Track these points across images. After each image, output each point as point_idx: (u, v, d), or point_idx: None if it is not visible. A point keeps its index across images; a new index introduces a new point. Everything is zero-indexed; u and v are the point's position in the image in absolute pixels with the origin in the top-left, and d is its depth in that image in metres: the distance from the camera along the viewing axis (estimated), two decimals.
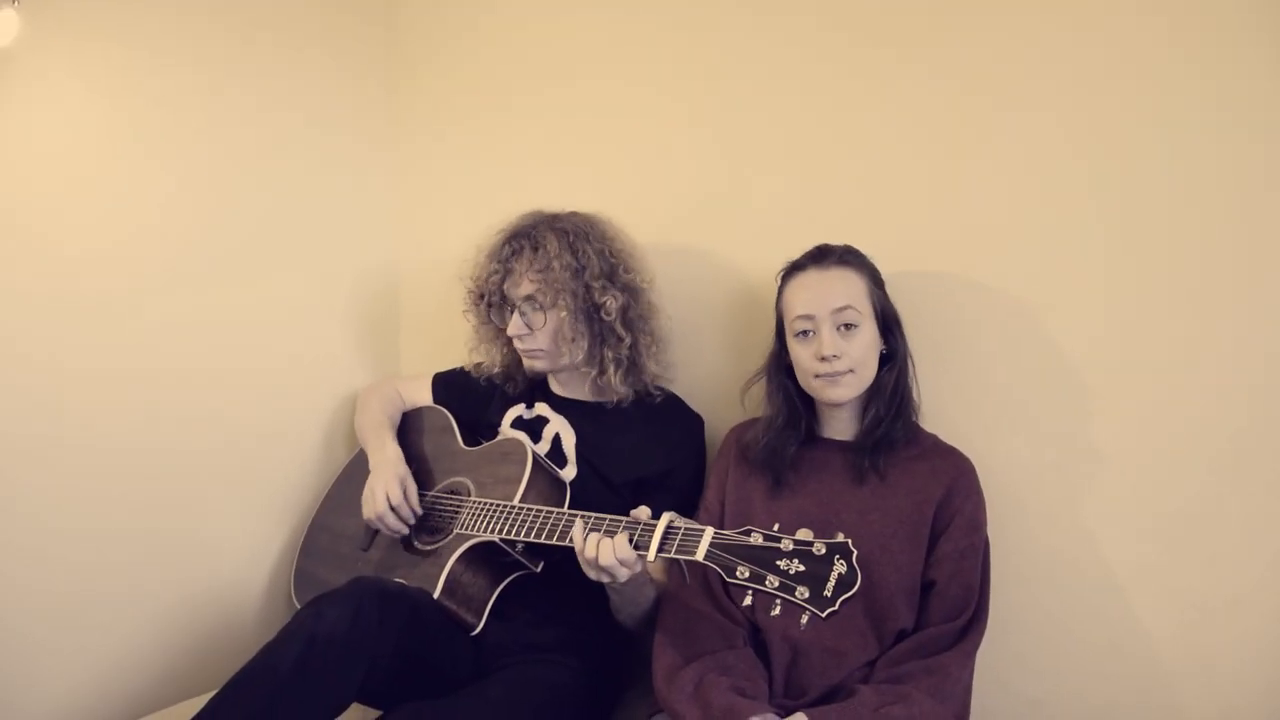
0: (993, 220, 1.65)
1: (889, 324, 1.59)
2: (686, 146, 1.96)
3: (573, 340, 1.77)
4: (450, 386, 2.03)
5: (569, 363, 1.82)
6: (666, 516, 1.40)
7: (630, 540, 1.41)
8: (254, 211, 2.02)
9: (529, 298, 1.78)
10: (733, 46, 1.89)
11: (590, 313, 1.78)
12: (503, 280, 1.80)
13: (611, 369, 1.79)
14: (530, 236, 1.79)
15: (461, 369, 2.04)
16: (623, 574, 1.43)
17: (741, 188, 1.90)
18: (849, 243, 1.63)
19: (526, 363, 1.84)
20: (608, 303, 1.77)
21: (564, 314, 1.76)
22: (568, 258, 1.76)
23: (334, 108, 2.21)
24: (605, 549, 1.42)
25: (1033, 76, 1.60)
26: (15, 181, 1.65)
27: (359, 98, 2.28)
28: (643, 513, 1.44)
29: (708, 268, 1.94)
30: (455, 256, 1.91)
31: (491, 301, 1.84)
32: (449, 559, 1.64)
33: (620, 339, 1.79)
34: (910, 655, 1.46)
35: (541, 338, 1.79)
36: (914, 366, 1.61)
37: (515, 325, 1.79)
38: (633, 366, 1.81)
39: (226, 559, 2.01)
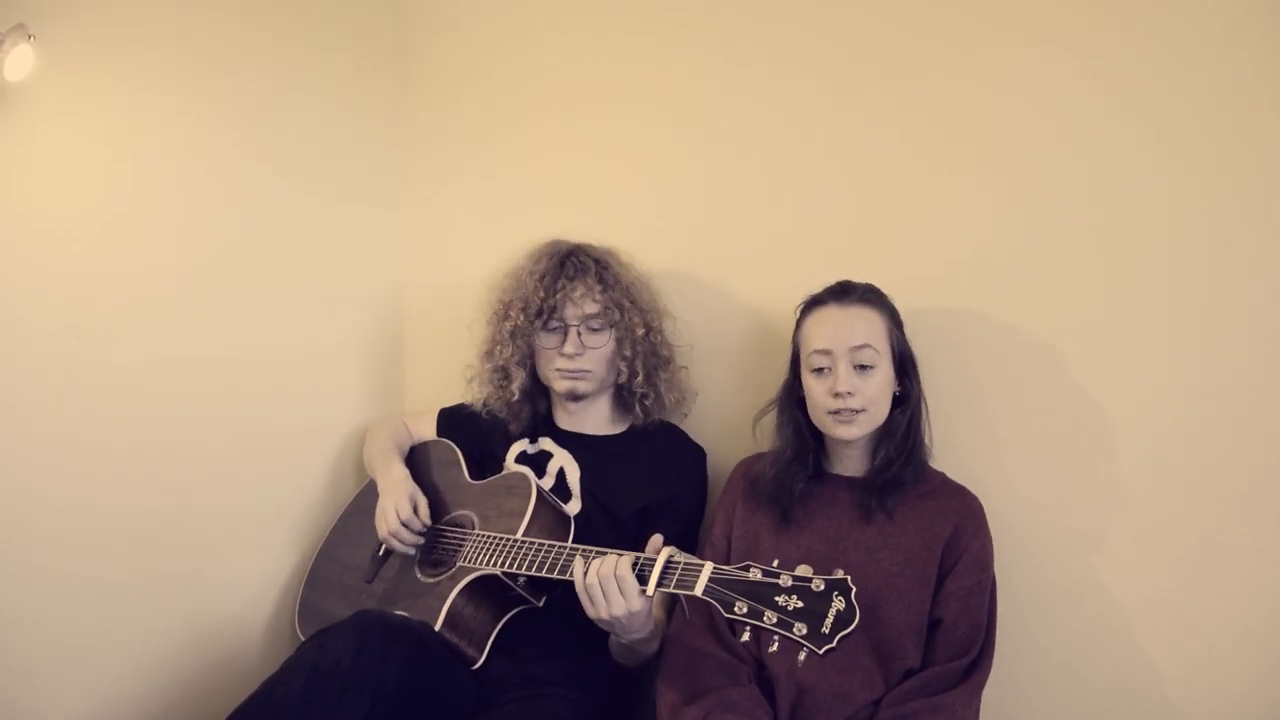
0: (1006, 256, 1.65)
1: (905, 365, 1.58)
2: (697, 179, 1.97)
3: (623, 362, 1.82)
4: (455, 421, 2.03)
5: (609, 385, 1.86)
6: (666, 551, 1.40)
7: (629, 565, 1.41)
8: (260, 248, 2.04)
9: (592, 317, 1.80)
10: (747, 80, 1.91)
11: (635, 340, 1.82)
12: (557, 300, 1.80)
13: (640, 394, 1.84)
14: (587, 258, 1.82)
15: (466, 403, 2.04)
16: (618, 604, 1.41)
17: (753, 222, 1.91)
18: (863, 277, 1.63)
19: (566, 385, 1.82)
20: (650, 328, 1.83)
21: (621, 336, 1.81)
22: (625, 281, 1.83)
23: (343, 140, 2.23)
24: (607, 565, 1.42)
25: (1033, 110, 1.61)
26: (30, 212, 1.67)
27: (368, 131, 2.30)
28: (646, 546, 1.44)
29: (718, 301, 1.95)
30: (461, 289, 1.92)
31: (547, 321, 1.82)
32: (451, 592, 1.64)
33: (655, 365, 1.84)
34: (916, 693, 1.45)
35: (595, 359, 1.81)
36: (927, 409, 1.60)
37: (573, 344, 1.79)
38: (657, 395, 1.85)
39: (231, 591, 2.01)
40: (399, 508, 1.77)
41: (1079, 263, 1.58)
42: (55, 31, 1.65)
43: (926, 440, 1.60)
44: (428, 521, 1.80)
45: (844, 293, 1.59)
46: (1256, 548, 1.46)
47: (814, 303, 1.62)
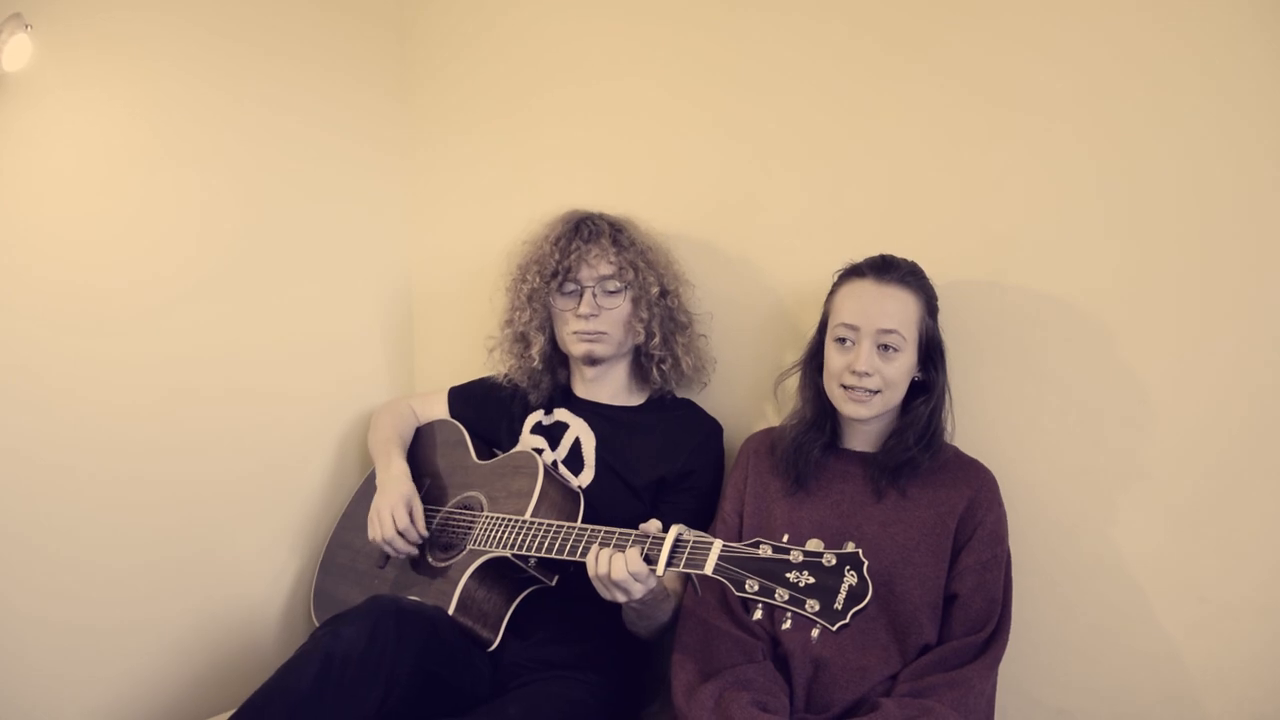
0: (1022, 229, 1.63)
1: (931, 354, 1.56)
2: (706, 151, 1.95)
3: (639, 323, 1.81)
4: (468, 398, 2.03)
5: (627, 349, 1.86)
6: (675, 529, 1.39)
7: (640, 554, 1.40)
8: (266, 232, 2.03)
9: (607, 278, 1.80)
10: (755, 49, 1.88)
11: (651, 301, 1.81)
12: (572, 262, 1.81)
13: (658, 358, 1.83)
14: (603, 221, 1.84)
15: (478, 380, 2.04)
16: (636, 589, 1.42)
17: (762, 193, 1.88)
18: (889, 251, 1.60)
19: (584, 348, 1.81)
20: (666, 291, 1.83)
21: (637, 297, 1.81)
22: (641, 244, 1.83)
23: (347, 119, 2.21)
24: (617, 564, 1.41)
25: (1059, 80, 1.59)
26: (31, 204, 1.67)
27: (373, 109, 2.28)
28: (652, 526, 1.44)
29: (726, 275, 1.93)
30: (469, 268, 1.91)
31: (563, 284, 1.82)
32: (463, 575, 1.64)
33: (672, 329, 1.84)
34: (933, 668, 1.44)
35: (610, 320, 1.81)
36: (951, 399, 1.57)
37: (589, 305, 1.79)
38: (675, 359, 1.85)
39: (245, 579, 2.02)
40: (395, 515, 1.76)
41: (1112, 242, 1.56)
42: (53, 21, 1.64)
43: (949, 428, 1.58)
44: (423, 531, 1.78)
45: (884, 269, 1.55)
46: (1273, 513, 1.45)
47: (852, 272, 1.59)
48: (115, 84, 1.78)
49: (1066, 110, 1.58)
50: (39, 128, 1.67)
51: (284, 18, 2.06)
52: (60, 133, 1.70)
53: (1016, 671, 1.57)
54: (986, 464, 1.57)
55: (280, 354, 2.06)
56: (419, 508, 1.80)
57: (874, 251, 1.60)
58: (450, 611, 1.62)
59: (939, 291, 1.61)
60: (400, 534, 1.75)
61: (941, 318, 1.60)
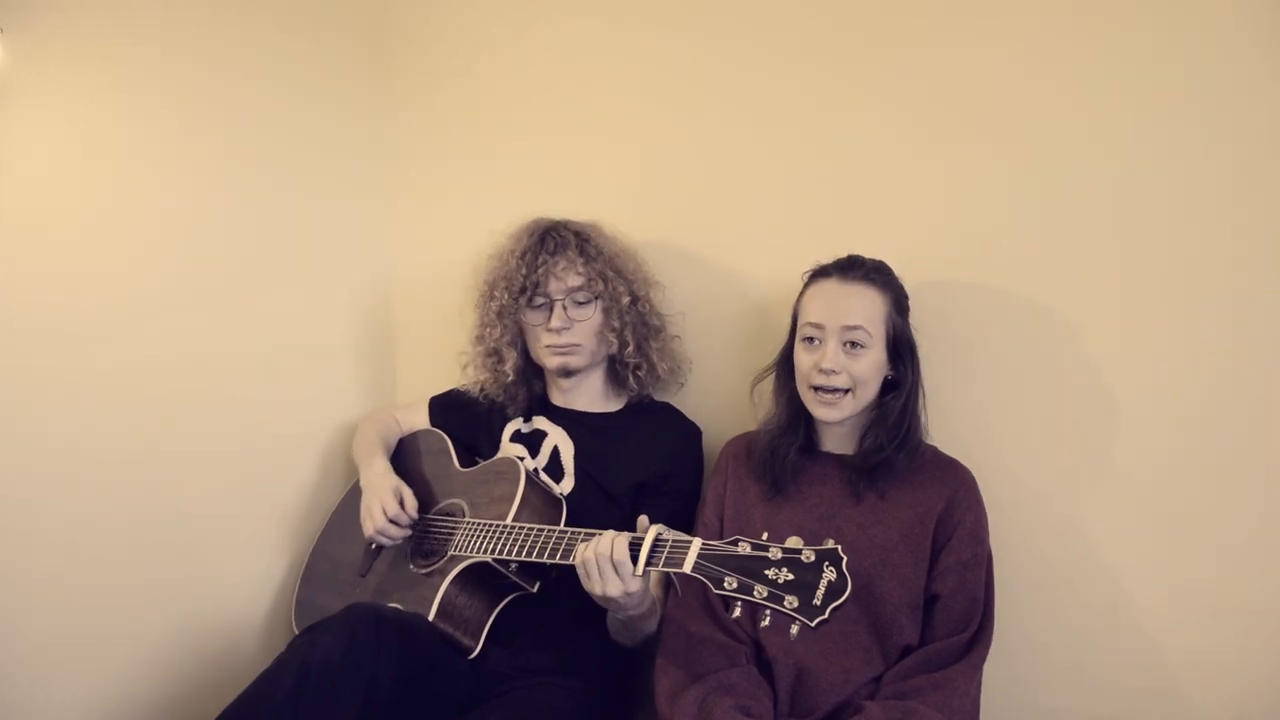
0: (1000, 228, 1.64)
1: (900, 350, 1.55)
2: (687, 157, 1.95)
3: (611, 333, 1.81)
4: (448, 407, 2.02)
5: (601, 358, 1.85)
6: (654, 529, 1.38)
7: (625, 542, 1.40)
8: (243, 243, 2.02)
9: (576, 290, 1.79)
10: (733, 54, 1.88)
11: (622, 310, 1.81)
12: (539, 276, 1.79)
13: (632, 365, 1.83)
14: (568, 231, 1.82)
15: (457, 389, 2.03)
16: (614, 584, 1.40)
17: (743, 199, 1.89)
18: (864, 250, 1.60)
19: (558, 360, 1.81)
20: (637, 297, 1.82)
21: (607, 307, 1.80)
22: (609, 252, 1.82)
23: (324, 130, 2.21)
24: (603, 544, 1.40)
25: (1037, 78, 1.60)
26: (4, 207, 1.65)
27: (349, 120, 2.27)
28: (643, 521, 1.43)
29: (706, 281, 1.93)
30: (448, 277, 1.90)
31: (532, 298, 1.81)
32: (443, 581, 1.63)
33: (645, 334, 1.83)
34: (917, 670, 1.44)
35: (582, 332, 1.80)
36: (924, 395, 1.57)
37: (559, 318, 1.78)
38: (650, 365, 1.84)
39: (226, 589, 2.00)
40: (385, 504, 1.75)
41: (1090, 240, 1.56)
42: (25, 24, 1.63)
43: (923, 424, 1.57)
44: (414, 515, 1.78)
45: (849, 268, 1.56)
46: (1255, 513, 1.46)
47: (819, 273, 1.60)
48: (92, 90, 1.76)
49: (1054, 112, 1.59)
50: (13, 133, 1.65)
51: (264, 32, 2.05)
52: (36, 139, 1.68)
53: (1003, 672, 1.56)
54: (967, 465, 1.56)
55: (261, 365, 2.05)
56: (409, 494, 1.80)
57: (848, 248, 1.61)
58: (430, 617, 1.61)
59: (918, 292, 1.61)
60: (392, 521, 1.74)
61: (921, 319, 1.60)
